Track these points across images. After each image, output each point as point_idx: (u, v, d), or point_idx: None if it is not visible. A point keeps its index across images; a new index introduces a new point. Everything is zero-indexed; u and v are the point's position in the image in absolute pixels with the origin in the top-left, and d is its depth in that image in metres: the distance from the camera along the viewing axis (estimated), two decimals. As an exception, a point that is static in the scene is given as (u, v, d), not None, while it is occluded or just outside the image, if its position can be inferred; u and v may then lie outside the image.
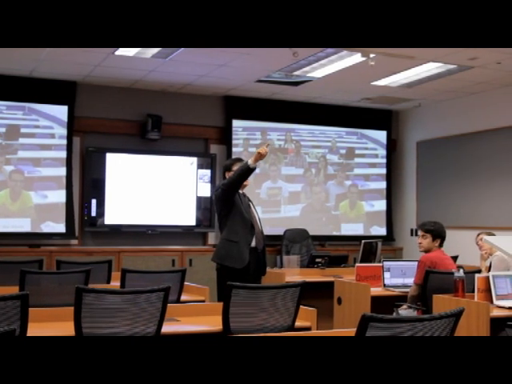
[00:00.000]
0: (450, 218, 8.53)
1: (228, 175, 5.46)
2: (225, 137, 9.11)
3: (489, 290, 4.60)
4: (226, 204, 5.32)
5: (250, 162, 5.15)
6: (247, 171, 5.19)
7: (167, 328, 3.38)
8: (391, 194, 10.09)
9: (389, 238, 9.91)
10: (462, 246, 7.40)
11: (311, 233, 9.21)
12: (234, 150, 9.07)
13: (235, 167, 5.43)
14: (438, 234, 5.21)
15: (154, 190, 8.63)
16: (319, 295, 5.65)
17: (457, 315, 2.67)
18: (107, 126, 8.44)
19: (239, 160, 5.61)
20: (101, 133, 8.42)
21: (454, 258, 6.32)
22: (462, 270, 4.61)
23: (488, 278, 4.65)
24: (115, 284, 4.80)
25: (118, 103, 8.50)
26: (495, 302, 4.56)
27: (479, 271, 5.46)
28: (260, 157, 5.15)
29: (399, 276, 5.62)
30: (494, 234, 6.10)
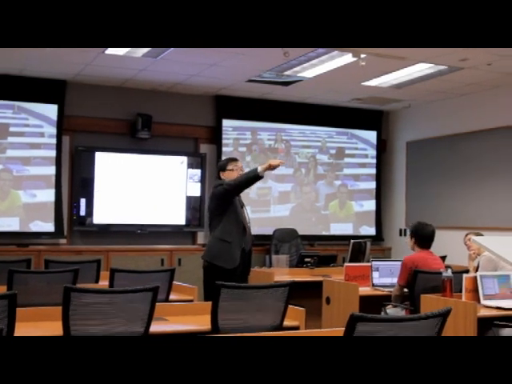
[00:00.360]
0: (438, 218, 8.56)
1: (222, 175, 5.48)
2: (215, 136, 9.11)
3: (476, 290, 4.63)
4: (224, 203, 5.33)
5: (260, 169, 5.18)
6: (256, 178, 5.23)
7: (155, 327, 3.38)
8: (381, 194, 10.12)
9: (378, 237, 9.94)
10: (450, 246, 7.42)
11: (300, 232, 9.23)
12: (224, 149, 9.07)
13: (230, 167, 5.47)
14: (412, 233, 5.27)
15: (143, 189, 8.62)
16: (308, 295, 5.65)
17: (444, 315, 2.68)
18: (97, 125, 8.42)
19: (234, 160, 5.64)
20: (90, 132, 8.40)
21: (442, 258, 6.34)
22: (449, 270, 4.64)
23: (476, 277, 4.68)
24: (104, 283, 4.79)
25: (108, 102, 8.48)
26: (483, 301, 4.59)
27: (467, 271, 5.48)
28: (270, 168, 5.20)
29: (388, 276, 5.62)
30: (482, 235, 6.13)
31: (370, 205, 10.08)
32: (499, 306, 4.48)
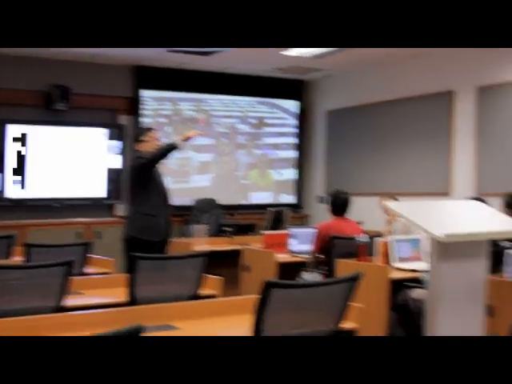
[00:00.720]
0: (358, 185, 8.77)
1: (138, 146, 5.44)
2: (134, 107, 8.97)
3: (390, 254, 4.78)
4: (143, 177, 5.31)
5: (178, 141, 5.21)
6: (172, 150, 5.25)
7: (71, 301, 3.33)
8: (301, 163, 10.23)
9: (297, 205, 10.08)
10: (370, 212, 7.60)
11: (221, 202, 9.24)
12: (143, 120, 8.95)
13: (144, 138, 5.44)
14: (329, 202, 5.39)
15: (61, 162, 8.42)
16: (227, 264, 5.69)
17: (355, 278, 2.75)
18: (10, 96, 8.12)
19: (148, 130, 5.61)
20: (3, 104, 8.10)
21: (360, 224, 6.49)
22: (364, 236, 4.76)
23: (389, 241, 4.82)
24: (18, 259, 4.68)
25: (22, 73, 8.19)
26: (396, 264, 4.74)
27: (380, 235, 5.63)
28: (186, 139, 5.25)
29: (305, 242, 5.70)
30: (397, 199, 6.31)
31: (290, 173, 10.18)
32: (411, 268, 4.64)
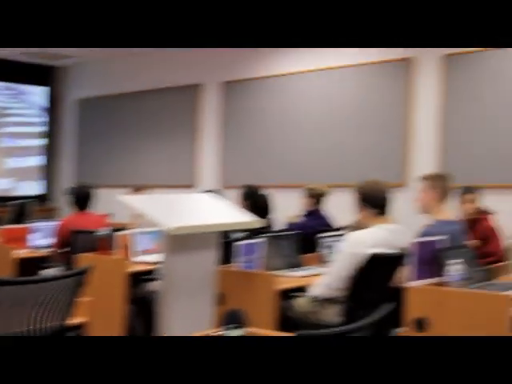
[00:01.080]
0: (108, 176, 8.73)
1: None
2: None
3: (132, 247, 4.85)
4: None
5: None
6: None
7: None
8: (50, 153, 9.91)
9: (44, 197, 9.79)
10: (120, 205, 7.58)
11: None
12: None
13: None
14: (72, 195, 5.36)
15: None
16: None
17: (82, 273, 2.76)
18: None
19: None
20: None
21: (111, 217, 6.46)
22: (106, 229, 4.78)
23: (130, 234, 4.90)
24: None
25: None
26: (138, 257, 4.82)
27: (122, 229, 5.65)
28: None
29: (49, 237, 5.58)
30: (143, 192, 6.39)
31: (37, 163, 9.83)
32: (152, 260, 4.74)
